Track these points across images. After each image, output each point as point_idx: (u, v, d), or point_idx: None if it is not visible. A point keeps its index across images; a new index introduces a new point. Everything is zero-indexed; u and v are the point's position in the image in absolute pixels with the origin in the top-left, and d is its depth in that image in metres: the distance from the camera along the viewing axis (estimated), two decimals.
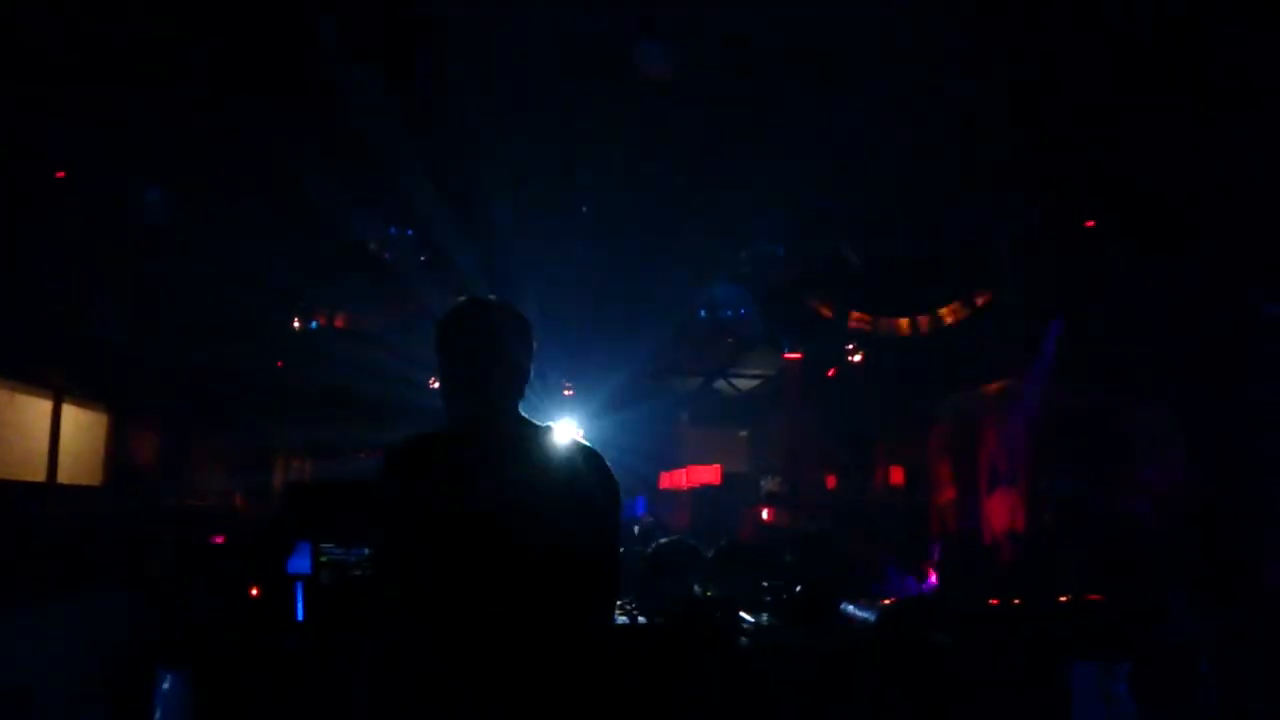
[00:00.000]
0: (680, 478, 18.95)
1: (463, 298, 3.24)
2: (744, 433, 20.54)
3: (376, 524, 2.95)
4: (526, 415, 3.10)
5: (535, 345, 3.16)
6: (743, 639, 5.39)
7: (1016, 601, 6.28)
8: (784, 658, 5.33)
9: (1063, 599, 6.08)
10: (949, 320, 11.77)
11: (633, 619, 5.50)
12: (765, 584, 6.31)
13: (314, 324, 13.47)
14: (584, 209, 10.29)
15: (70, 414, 11.44)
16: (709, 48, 7.39)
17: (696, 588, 5.99)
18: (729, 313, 11.63)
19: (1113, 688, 5.26)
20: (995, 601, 6.34)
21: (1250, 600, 7.19)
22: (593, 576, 2.94)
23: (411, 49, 7.38)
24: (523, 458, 2.98)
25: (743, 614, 5.58)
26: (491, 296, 3.27)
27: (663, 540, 6.23)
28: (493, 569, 2.82)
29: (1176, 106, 7.46)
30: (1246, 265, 8.64)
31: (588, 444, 3.12)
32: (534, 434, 3.05)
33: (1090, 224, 9.63)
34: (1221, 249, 8.64)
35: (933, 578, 8.47)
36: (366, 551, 5.61)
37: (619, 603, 5.75)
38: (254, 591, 5.67)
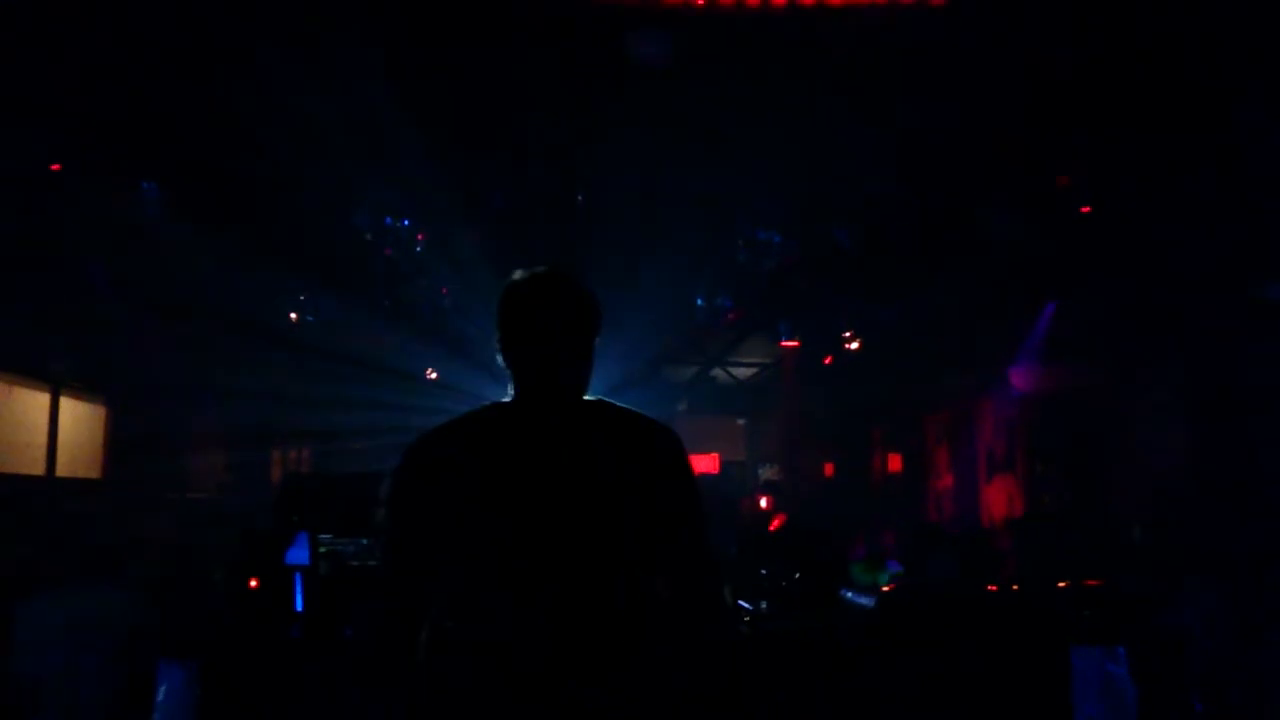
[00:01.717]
0: None
1: (522, 271, 2.94)
2: (741, 421, 20.58)
3: (386, 509, 2.80)
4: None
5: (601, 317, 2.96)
6: (741, 626, 5.40)
7: (1015, 586, 6.29)
8: (783, 644, 5.34)
9: (1062, 584, 6.09)
10: None
11: None
12: (764, 571, 6.32)
13: (310, 317, 13.46)
14: (580, 196, 10.27)
15: (68, 406, 11.45)
16: (707, 35, 7.38)
17: None
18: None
19: (1112, 671, 5.28)
20: (994, 587, 6.35)
21: (1249, 583, 7.21)
22: (650, 557, 2.79)
23: (410, 34, 7.37)
24: (585, 435, 2.83)
25: (741, 602, 5.60)
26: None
27: None
28: (547, 552, 2.71)
29: (1175, 92, 7.46)
30: (1243, 248, 8.65)
31: (670, 428, 2.94)
32: (600, 411, 2.89)
33: (1086, 209, 9.63)
34: (1218, 232, 8.65)
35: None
36: (364, 542, 5.62)
37: None
38: (253, 583, 5.68)
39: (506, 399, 2.89)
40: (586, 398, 2.91)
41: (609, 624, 2.72)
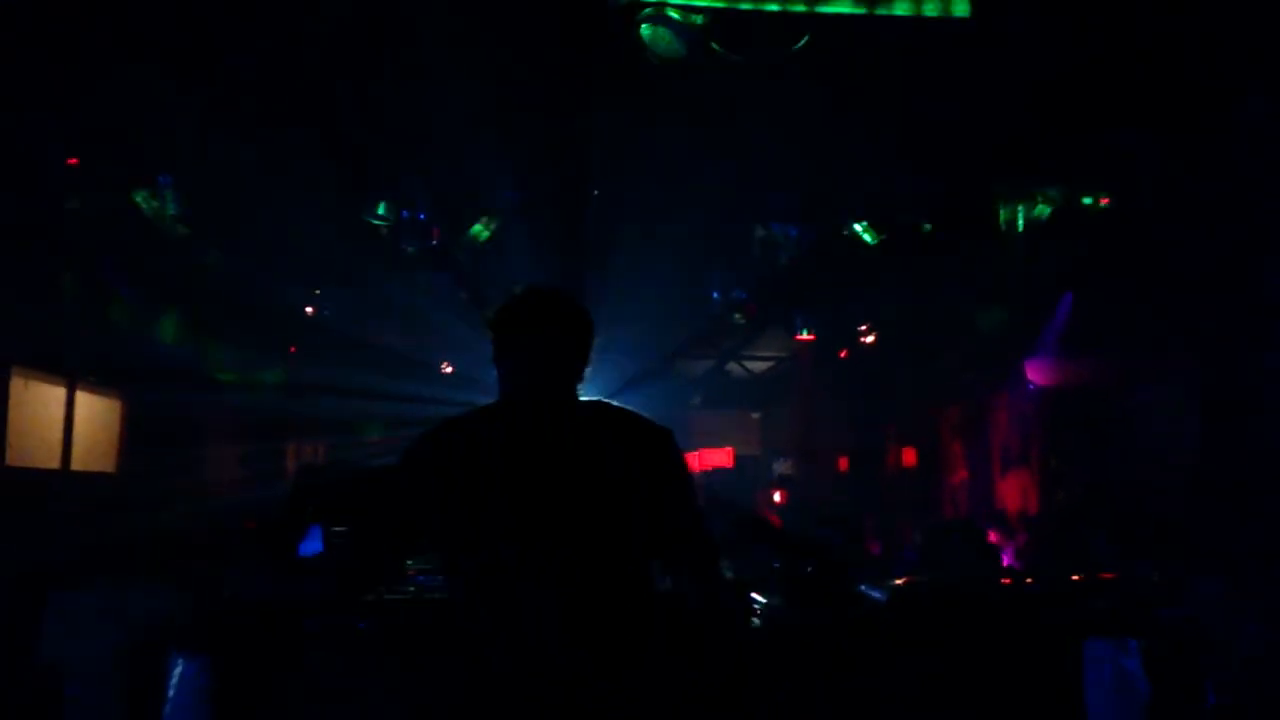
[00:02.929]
0: (692, 461, 18.96)
1: (519, 287, 3.20)
2: (756, 415, 20.55)
3: (383, 493, 3.01)
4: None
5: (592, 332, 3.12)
6: (755, 620, 5.40)
7: (1029, 580, 6.28)
8: (796, 639, 5.34)
9: (1075, 577, 6.08)
10: None
11: None
12: (776, 565, 6.32)
13: (326, 310, 13.52)
14: (595, 191, 10.26)
15: (84, 401, 11.48)
16: (724, 29, 7.36)
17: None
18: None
19: (1125, 664, 5.26)
20: (1008, 581, 6.34)
21: (1263, 577, 7.18)
22: (649, 546, 2.96)
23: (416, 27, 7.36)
24: (584, 431, 2.98)
25: (754, 595, 5.59)
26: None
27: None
28: (553, 542, 2.83)
29: (1190, 86, 7.43)
30: (1259, 241, 8.61)
31: (654, 422, 3.08)
32: (598, 410, 3.05)
33: (1105, 200, 9.59)
34: (1234, 225, 8.61)
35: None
36: None
37: None
38: None
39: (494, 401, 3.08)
40: (584, 399, 3.07)
41: (616, 613, 2.86)
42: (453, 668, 2.92)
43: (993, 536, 10.81)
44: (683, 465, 3.07)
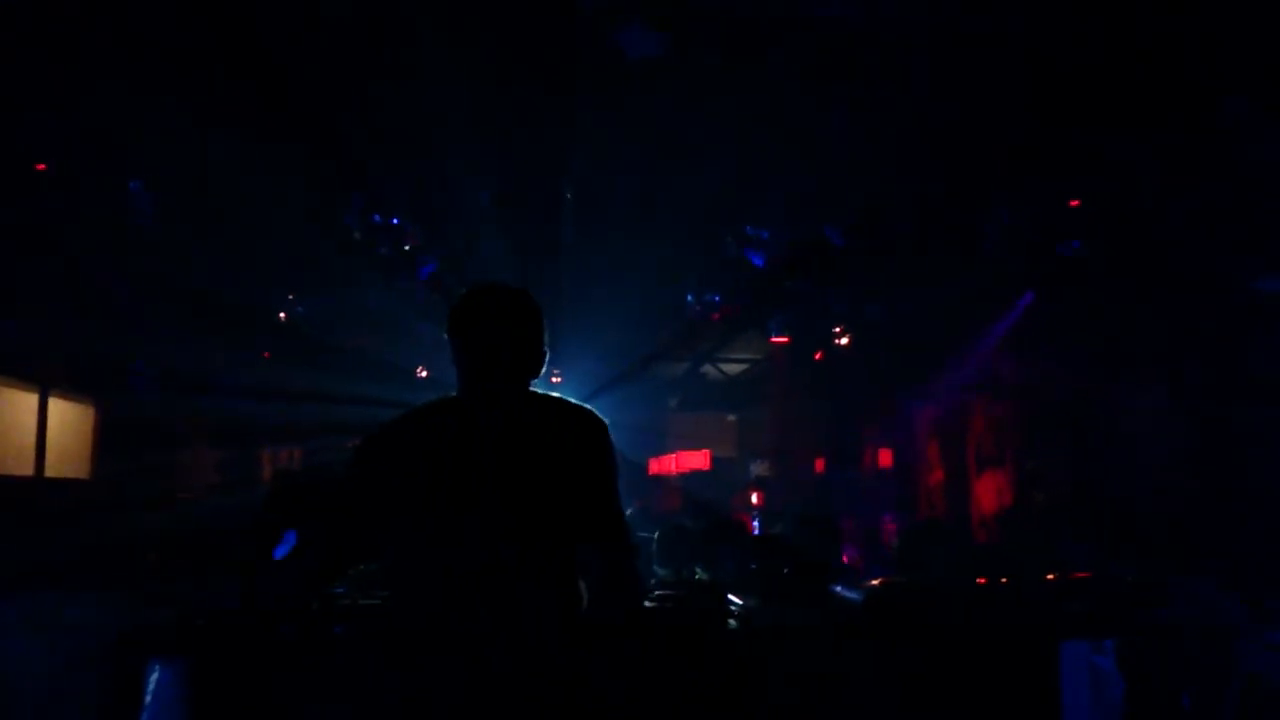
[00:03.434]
0: (670, 463, 18.99)
1: (473, 284, 3.30)
2: (732, 417, 20.56)
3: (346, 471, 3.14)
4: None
5: (545, 327, 3.22)
6: (731, 621, 5.40)
7: (1005, 580, 6.30)
8: (772, 640, 5.34)
9: (1051, 576, 6.10)
10: None
11: None
12: (753, 566, 6.33)
13: (300, 308, 13.49)
14: (568, 195, 10.26)
15: (57, 407, 11.41)
16: (696, 26, 7.36)
17: (685, 571, 6.04)
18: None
19: (1099, 664, 5.28)
20: (983, 581, 6.35)
21: (1242, 578, 7.22)
22: (571, 528, 3.01)
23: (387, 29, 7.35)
24: (510, 424, 3.04)
25: (730, 596, 5.60)
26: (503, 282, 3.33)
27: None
28: (468, 535, 2.92)
29: (1165, 84, 7.45)
30: (1237, 240, 8.65)
31: (590, 410, 3.16)
32: (531, 403, 3.12)
33: (1075, 203, 9.62)
34: (1212, 224, 8.65)
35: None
36: None
37: None
38: None
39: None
40: (532, 390, 3.19)
41: (534, 592, 2.94)
42: (412, 668, 2.96)
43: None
44: (605, 452, 3.11)
